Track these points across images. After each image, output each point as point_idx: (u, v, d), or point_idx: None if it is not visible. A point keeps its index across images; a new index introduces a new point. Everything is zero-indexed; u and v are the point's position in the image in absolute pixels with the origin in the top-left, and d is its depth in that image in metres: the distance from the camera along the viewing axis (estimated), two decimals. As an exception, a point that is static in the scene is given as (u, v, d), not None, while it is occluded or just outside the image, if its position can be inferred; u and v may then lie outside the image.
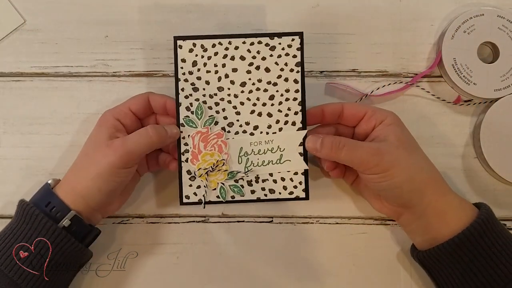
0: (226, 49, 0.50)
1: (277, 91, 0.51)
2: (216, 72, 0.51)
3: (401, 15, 0.56)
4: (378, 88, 0.55)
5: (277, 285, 0.54)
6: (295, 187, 0.51)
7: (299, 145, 0.50)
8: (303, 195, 0.51)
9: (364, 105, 0.51)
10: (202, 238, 0.54)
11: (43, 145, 0.55)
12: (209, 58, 0.50)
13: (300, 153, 0.51)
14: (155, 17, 0.56)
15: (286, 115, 0.51)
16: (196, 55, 0.50)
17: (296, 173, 0.51)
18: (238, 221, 0.55)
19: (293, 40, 0.50)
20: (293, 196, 0.51)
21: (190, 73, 0.51)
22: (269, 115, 0.51)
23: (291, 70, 0.50)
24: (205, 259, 0.54)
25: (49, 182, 0.49)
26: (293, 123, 0.50)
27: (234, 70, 0.51)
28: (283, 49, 0.50)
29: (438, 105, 0.55)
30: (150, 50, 0.56)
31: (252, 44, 0.50)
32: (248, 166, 0.51)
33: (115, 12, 0.56)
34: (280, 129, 0.51)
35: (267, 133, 0.51)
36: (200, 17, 0.56)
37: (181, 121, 0.51)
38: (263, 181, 0.51)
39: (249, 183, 0.51)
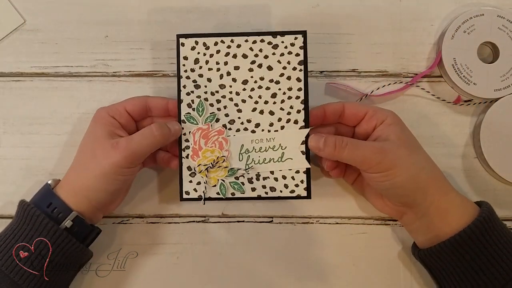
0: (229, 47, 0.50)
1: (279, 89, 0.51)
2: (218, 69, 0.51)
3: (401, 15, 0.56)
4: (378, 88, 0.55)
5: (277, 285, 0.54)
6: (297, 185, 0.51)
7: (301, 144, 0.50)
8: (304, 193, 0.51)
9: (365, 105, 0.51)
10: (202, 238, 0.54)
11: (43, 145, 0.55)
12: (211, 56, 0.50)
13: (302, 152, 0.50)
14: (155, 17, 0.56)
15: (289, 113, 0.51)
16: (198, 53, 0.50)
17: (297, 172, 0.51)
18: (238, 221, 0.55)
19: (296, 38, 0.50)
20: (294, 194, 0.51)
21: (192, 70, 0.51)
22: (271, 113, 0.51)
23: (294, 69, 0.50)
24: (205, 259, 0.54)
25: (49, 182, 0.49)
26: (295, 122, 0.50)
27: (236, 68, 0.51)
28: (286, 47, 0.50)
29: (438, 105, 0.55)
30: (150, 50, 0.56)
31: (254, 42, 0.50)
32: (249, 163, 0.51)
33: (115, 12, 0.56)
34: (282, 127, 0.51)
35: (269, 131, 0.51)
36: (200, 17, 0.56)
37: (182, 117, 0.51)
38: (264, 178, 0.51)
39: (250, 181, 0.51)
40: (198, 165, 0.51)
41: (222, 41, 0.50)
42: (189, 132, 0.51)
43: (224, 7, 0.56)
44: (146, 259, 0.54)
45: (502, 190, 0.55)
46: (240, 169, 0.51)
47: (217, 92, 0.51)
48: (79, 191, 0.47)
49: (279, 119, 0.51)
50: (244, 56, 0.50)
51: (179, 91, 0.51)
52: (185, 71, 0.51)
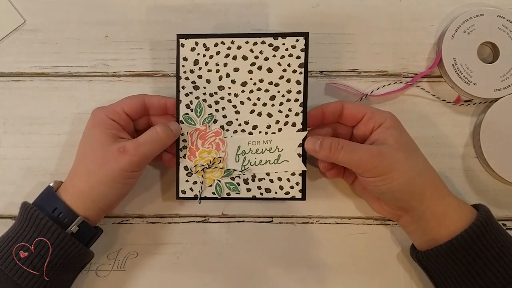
0: (229, 48, 0.50)
1: (278, 91, 0.51)
2: (218, 71, 0.51)
3: (401, 15, 0.56)
4: (378, 88, 0.55)
5: (277, 285, 0.54)
6: (292, 187, 0.51)
7: (298, 146, 0.50)
8: (299, 195, 0.51)
9: (364, 105, 0.51)
10: (202, 238, 0.54)
11: (43, 145, 0.55)
12: (210, 57, 0.50)
13: (298, 154, 0.50)
14: (155, 17, 0.56)
15: (287, 115, 0.51)
16: (198, 54, 0.50)
17: (293, 174, 0.51)
18: (238, 221, 0.55)
19: (297, 41, 0.50)
20: (289, 196, 0.51)
21: (191, 71, 0.51)
22: (269, 115, 0.51)
23: (294, 71, 0.50)
24: (205, 259, 0.54)
25: (51, 184, 0.49)
26: (293, 124, 0.50)
27: (236, 69, 0.51)
28: (286, 49, 0.50)
29: (438, 105, 0.55)
30: (150, 50, 0.56)
31: (255, 44, 0.50)
32: (245, 164, 0.51)
33: (115, 12, 0.56)
34: (280, 130, 0.51)
35: (266, 133, 0.51)
36: (200, 17, 0.56)
37: (181, 118, 0.51)
38: (260, 180, 0.51)
39: (245, 181, 0.51)
40: (195, 166, 0.51)
41: (223, 42, 0.50)
42: (187, 132, 0.51)
43: (224, 7, 0.56)
44: (146, 259, 0.54)
45: (502, 190, 0.55)
46: (236, 170, 0.51)
47: (215, 93, 0.51)
48: (87, 196, 0.47)
49: (277, 122, 0.51)
50: (244, 57, 0.50)
51: (178, 91, 0.51)
52: (185, 72, 0.51)
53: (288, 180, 0.51)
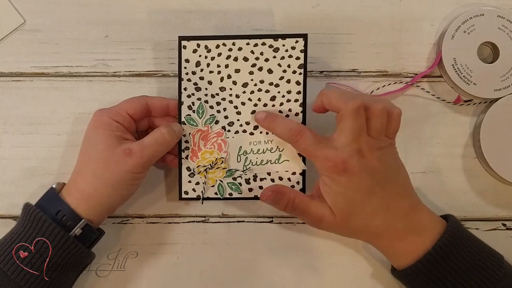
0: (230, 50, 0.50)
1: (278, 92, 0.51)
2: (219, 72, 0.51)
3: (401, 15, 0.56)
4: (378, 88, 0.55)
5: (277, 285, 0.54)
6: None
7: None
8: None
9: (341, 100, 0.46)
10: (202, 238, 0.54)
11: (43, 145, 0.55)
12: (212, 58, 0.51)
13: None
14: (155, 17, 0.56)
15: (287, 116, 0.51)
16: (200, 56, 0.51)
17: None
18: (238, 221, 0.55)
19: (297, 42, 0.50)
20: None
21: (193, 73, 0.51)
22: None
23: (294, 72, 0.50)
24: (205, 259, 0.54)
25: (54, 186, 0.49)
26: None
27: (237, 70, 0.51)
28: (286, 50, 0.50)
29: (438, 105, 0.55)
30: (150, 50, 0.56)
31: (256, 45, 0.50)
32: (246, 164, 0.51)
33: (115, 12, 0.56)
34: None
35: (267, 133, 0.51)
36: (200, 17, 0.56)
37: (183, 119, 0.51)
38: (261, 179, 0.51)
39: (247, 181, 0.51)
40: (197, 166, 0.51)
41: (224, 44, 0.50)
42: (189, 133, 0.51)
43: (224, 7, 0.56)
44: (146, 259, 0.54)
45: (502, 190, 0.55)
46: (238, 170, 0.51)
47: (217, 94, 0.51)
48: (92, 198, 0.47)
49: None
50: (245, 59, 0.50)
51: (180, 93, 0.51)
52: (187, 73, 0.51)
53: (289, 179, 0.51)
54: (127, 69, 0.56)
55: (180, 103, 0.51)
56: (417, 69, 0.56)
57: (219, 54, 0.51)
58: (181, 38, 0.51)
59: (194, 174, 0.51)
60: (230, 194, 0.52)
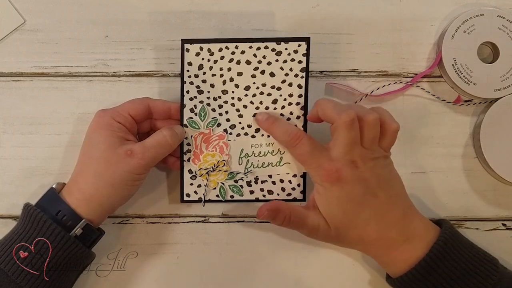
0: (233, 53, 0.50)
1: (280, 95, 0.51)
2: (222, 75, 0.51)
3: (401, 15, 0.56)
4: (378, 88, 0.55)
5: (277, 285, 0.54)
6: (293, 189, 0.52)
7: None
8: (301, 197, 0.52)
9: (335, 112, 0.46)
10: (202, 238, 0.54)
11: (43, 145, 0.55)
12: (215, 62, 0.51)
13: None
14: (155, 17, 0.56)
15: (288, 119, 0.51)
16: (203, 59, 0.51)
17: (294, 176, 0.52)
18: (238, 221, 0.55)
19: (299, 45, 0.50)
20: (291, 197, 0.52)
21: (196, 76, 0.51)
22: None
23: (296, 76, 0.51)
24: (205, 259, 0.54)
25: (54, 186, 0.49)
26: None
27: (239, 74, 0.51)
28: (289, 54, 0.50)
29: (438, 105, 0.55)
30: (150, 50, 0.56)
31: (258, 48, 0.50)
32: (248, 167, 0.51)
33: (115, 12, 0.56)
34: None
35: (268, 136, 0.51)
36: (200, 17, 0.56)
37: (185, 122, 0.51)
38: (262, 182, 0.52)
39: (249, 184, 0.51)
40: (199, 169, 0.51)
41: (227, 47, 0.50)
42: (191, 136, 0.51)
43: (224, 7, 0.56)
44: (146, 259, 0.54)
45: (502, 190, 0.55)
46: (239, 172, 0.51)
47: (219, 97, 0.51)
48: (94, 199, 0.47)
49: None
50: (248, 62, 0.51)
51: (182, 96, 0.51)
52: (189, 76, 0.51)
53: (290, 182, 0.52)
54: (127, 69, 0.56)
55: (182, 105, 0.51)
56: (417, 69, 0.56)
57: (222, 57, 0.51)
58: (184, 41, 0.51)
59: (196, 177, 0.52)
60: (232, 196, 0.52)
